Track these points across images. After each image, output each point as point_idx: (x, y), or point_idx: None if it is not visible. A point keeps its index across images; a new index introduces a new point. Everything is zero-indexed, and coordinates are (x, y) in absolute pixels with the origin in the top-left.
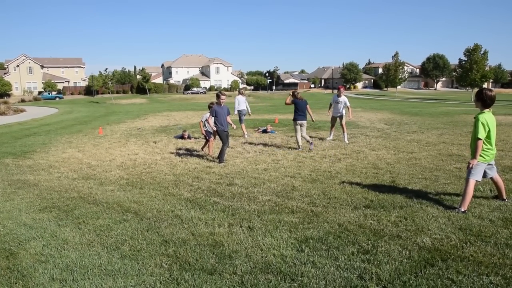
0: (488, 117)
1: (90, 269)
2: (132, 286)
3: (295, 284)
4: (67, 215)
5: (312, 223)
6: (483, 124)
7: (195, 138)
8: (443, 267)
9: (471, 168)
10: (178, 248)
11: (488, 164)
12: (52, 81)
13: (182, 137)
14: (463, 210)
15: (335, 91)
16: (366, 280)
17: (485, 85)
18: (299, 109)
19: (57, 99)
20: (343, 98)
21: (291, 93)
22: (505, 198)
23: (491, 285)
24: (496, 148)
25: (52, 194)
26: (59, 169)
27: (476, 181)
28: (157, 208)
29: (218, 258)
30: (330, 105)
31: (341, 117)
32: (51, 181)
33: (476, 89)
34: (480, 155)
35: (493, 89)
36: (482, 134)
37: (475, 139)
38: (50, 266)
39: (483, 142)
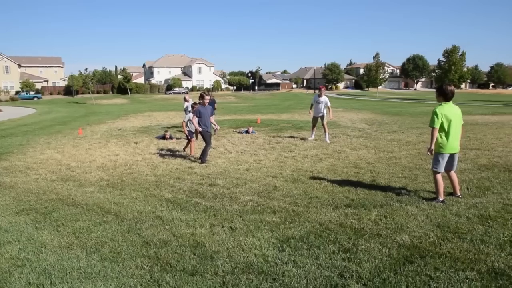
0: (446, 110)
1: (69, 273)
2: None
3: (277, 283)
4: (45, 217)
5: (294, 222)
6: (436, 115)
7: (177, 138)
8: (422, 263)
9: (432, 157)
10: (159, 249)
11: (450, 156)
12: (30, 80)
13: (163, 137)
14: (441, 199)
15: (317, 91)
16: (347, 278)
17: (462, 86)
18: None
19: (35, 99)
20: (324, 98)
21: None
22: (459, 194)
23: (467, 280)
24: (473, 147)
25: (30, 196)
26: (37, 170)
27: (440, 172)
28: (138, 209)
29: (199, 259)
30: (311, 105)
31: (322, 117)
32: (29, 183)
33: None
34: (439, 146)
35: (451, 83)
36: (432, 123)
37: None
38: (27, 270)
39: (441, 134)
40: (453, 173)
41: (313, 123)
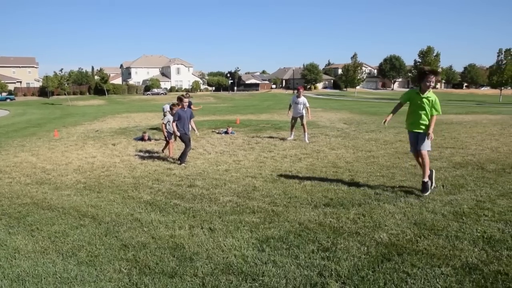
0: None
1: (44, 278)
2: None
3: (256, 283)
4: (18, 222)
5: (273, 222)
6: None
7: (156, 139)
8: (399, 261)
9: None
10: (138, 252)
11: None
12: (2, 81)
13: (142, 139)
14: (426, 180)
15: (296, 91)
16: (326, 277)
17: (438, 86)
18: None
19: (8, 100)
20: (302, 99)
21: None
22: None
23: (442, 276)
24: (448, 145)
25: (2, 201)
26: (10, 174)
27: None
28: (115, 212)
29: (178, 261)
30: (290, 106)
31: (301, 117)
32: (1, 187)
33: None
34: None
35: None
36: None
37: (432, 115)
38: None
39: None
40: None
41: (292, 123)
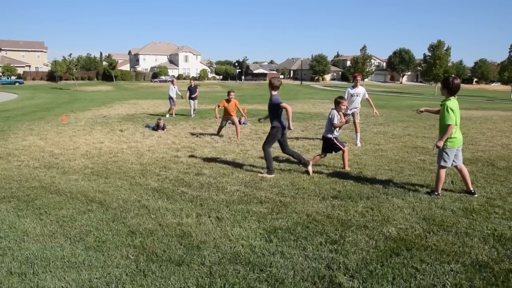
0: (454, 104)
1: (52, 262)
2: (97, 278)
3: (264, 274)
4: (27, 205)
5: (281, 213)
6: (452, 110)
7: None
8: (408, 256)
9: (439, 149)
10: (145, 239)
11: (457, 150)
12: (11, 65)
13: (157, 127)
14: (436, 193)
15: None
16: (334, 269)
17: None
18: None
19: (17, 84)
20: (361, 89)
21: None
22: (472, 189)
23: (452, 272)
24: None
25: (11, 183)
26: (19, 157)
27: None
28: (123, 198)
29: (186, 249)
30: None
31: (354, 113)
32: (10, 170)
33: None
34: (449, 141)
35: (457, 77)
36: (452, 120)
37: (444, 125)
38: (8, 260)
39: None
40: (463, 167)
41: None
